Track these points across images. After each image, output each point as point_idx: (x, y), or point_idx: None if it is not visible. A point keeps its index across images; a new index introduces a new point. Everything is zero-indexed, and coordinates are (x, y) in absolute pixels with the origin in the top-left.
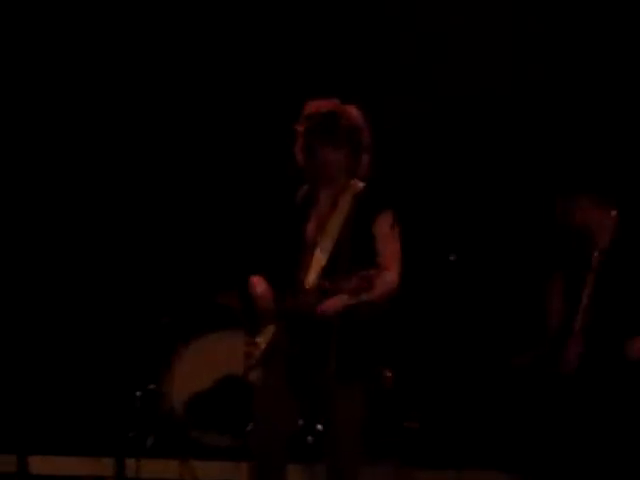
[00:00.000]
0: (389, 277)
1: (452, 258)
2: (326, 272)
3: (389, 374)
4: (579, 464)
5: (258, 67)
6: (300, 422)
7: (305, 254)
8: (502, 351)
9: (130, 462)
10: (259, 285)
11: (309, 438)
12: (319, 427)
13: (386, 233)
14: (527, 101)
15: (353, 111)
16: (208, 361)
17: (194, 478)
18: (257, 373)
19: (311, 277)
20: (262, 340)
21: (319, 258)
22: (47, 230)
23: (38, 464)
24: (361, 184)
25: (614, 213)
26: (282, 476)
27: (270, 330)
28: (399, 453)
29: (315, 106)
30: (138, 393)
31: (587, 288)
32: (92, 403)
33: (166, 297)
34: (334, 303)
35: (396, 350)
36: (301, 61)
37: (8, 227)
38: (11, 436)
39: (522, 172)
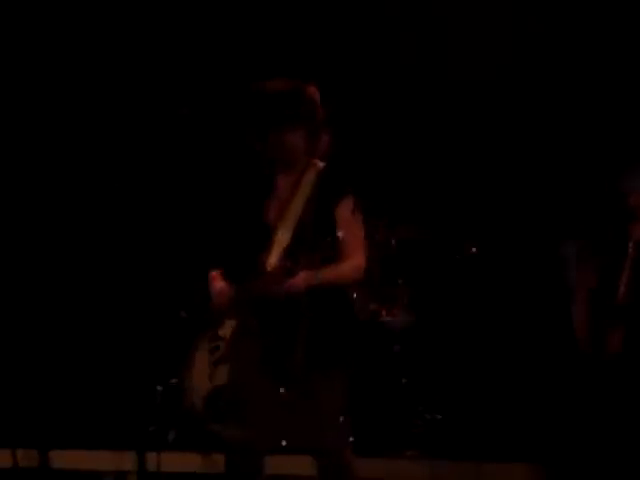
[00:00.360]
0: (355, 262)
1: (473, 251)
2: (288, 253)
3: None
4: (619, 451)
5: (252, 61)
6: None
7: (267, 238)
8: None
9: (151, 456)
10: (217, 281)
11: None
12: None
13: (348, 218)
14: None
15: (311, 90)
16: None
17: (215, 471)
18: (225, 368)
19: (273, 258)
20: (226, 333)
21: (281, 240)
22: (70, 229)
23: (59, 458)
24: (321, 164)
25: None
26: (260, 466)
27: (232, 323)
28: (421, 444)
29: (271, 86)
30: (159, 387)
31: (624, 276)
32: (113, 397)
33: (184, 292)
34: (298, 281)
35: (417, 343)
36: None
37: (33, 225)
38: (32, 431)
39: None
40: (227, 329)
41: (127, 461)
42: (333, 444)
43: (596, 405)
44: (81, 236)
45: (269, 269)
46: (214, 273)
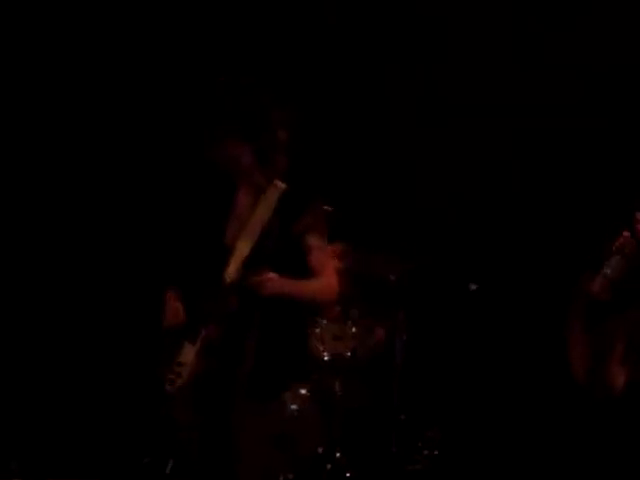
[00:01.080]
0: (328, 282)
1: (473, 287)
2: (247, 264)
3: None
4: None
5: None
6: (320, 450)
7: (225, 256)
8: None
9: None
10: (171, 302)
11: (328, 465)
12: (338, 455)
13: (316, 242)
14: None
15: (258, 100)
16: None
17: None
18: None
19: (231, 268)
20: (186, 360)
21: (240, 253)
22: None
23: None
24: (283, 185)
25: None
26: None
27: (191, 349)
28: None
29: (224, 92)
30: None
31: None
32: (109, 427)
33: None
34: (274, 278)
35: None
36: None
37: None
38: (26, 462)
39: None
40: (188, 354)
41: None
42: None
43: (597, 446)
44: (77, 259)
45: (228, 280)
46: (169, 293)
